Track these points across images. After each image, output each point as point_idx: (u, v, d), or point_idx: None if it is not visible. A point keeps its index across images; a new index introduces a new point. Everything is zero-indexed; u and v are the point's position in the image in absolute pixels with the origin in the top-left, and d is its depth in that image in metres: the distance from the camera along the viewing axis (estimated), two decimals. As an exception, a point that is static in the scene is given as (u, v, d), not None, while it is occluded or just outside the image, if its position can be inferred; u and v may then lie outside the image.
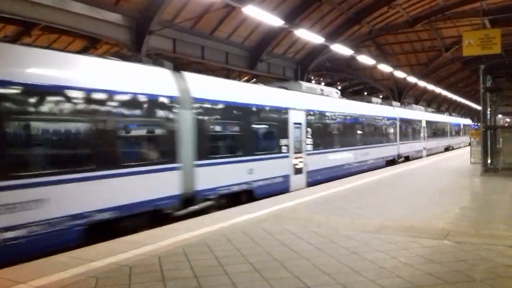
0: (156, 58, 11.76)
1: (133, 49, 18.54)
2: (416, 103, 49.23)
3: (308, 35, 21.41)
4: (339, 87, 54.29)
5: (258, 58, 25.64)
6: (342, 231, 6.92)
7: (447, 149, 37.12)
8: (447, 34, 36.03)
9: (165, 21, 19.23)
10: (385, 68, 32.84)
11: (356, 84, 53.67)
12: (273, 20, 18.13)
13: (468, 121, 52.24)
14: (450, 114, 48.32)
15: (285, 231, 6.93)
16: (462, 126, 46.61)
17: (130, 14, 18.20)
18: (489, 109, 16.69)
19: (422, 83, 41.80)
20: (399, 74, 36.11)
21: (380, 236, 6.53)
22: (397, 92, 45.84)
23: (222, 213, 8.75)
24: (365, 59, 29.04)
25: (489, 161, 15.83)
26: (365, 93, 59.91)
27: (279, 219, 7.92)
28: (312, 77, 42.06)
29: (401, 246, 5.96)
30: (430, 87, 44.79)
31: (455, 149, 38.87)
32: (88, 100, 7.34)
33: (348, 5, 25.95)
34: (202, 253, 5.78)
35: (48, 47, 18.70)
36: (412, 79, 39.35)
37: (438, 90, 48.46)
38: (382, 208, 8.93)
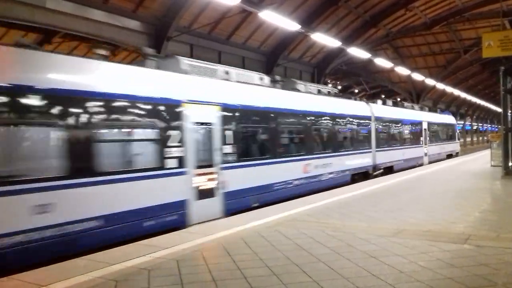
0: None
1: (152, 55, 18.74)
2: (435, 105, 48.62)
3: (325, 39, 21.40)
4: (356, 90, 54.10)
5: (275, 62, 25.73)
6: (359, 234, 6.87)
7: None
8: (465, 35, 35.63)
9: (182, 27, 19.47)
10: (402, 70, 32.61)
11: (373, 87, 53.37)
12: (289, 25, 18.18)
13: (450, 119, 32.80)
14: (442, 112, 36.62)
15: (302, 235, 6.92)
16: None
17: (148, 21, 18.49)
18: (510, 111, 16.40)
19: (440, 85, 41.30)
20: (417, 76, 35.77)
21: (398, 240, 6.47)
22: (415, 95, 45.44)
23: (238, 217, 8.78)
24: (382, 62, 28.88)
25: (510, 163, 15.53)
26: (383, 96, 59.52)
27: (295, 223, 7.91)
28: (328, 81, 41.93)
29: (420, 250, 5.90)
30: (449, 89, 44.24)
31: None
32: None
33: (365, 9, 25.89)
34: (220, 256, 5.81)
35: (68, 54, 19.04)
36: (430, 82, 38.92)
37: (457, 92, 47.82)
38: (399, 211, 8.84)
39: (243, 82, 11.94)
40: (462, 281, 4.68)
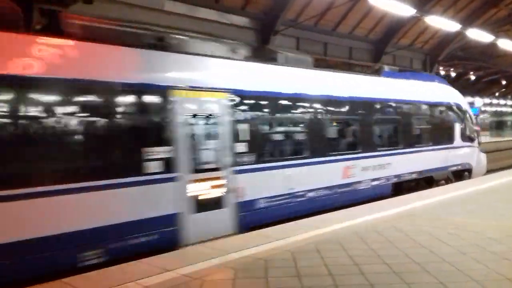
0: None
1: (258, 49, 19.12)
2: None
3: (440, 22, 19.94)
4: (473, 77, 49.84)
5: (383, 50, 24.70)
6: (486, 233, 6.28)
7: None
8: None
9: (289, 21, 19.51)
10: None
11: (491, 73, 48.79)
12: (402, 9, 17.19)
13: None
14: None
15: (421, 232, 6.51)
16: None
17: (256, 16, 18.84)
18: None
19: None
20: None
21: (536, 242, 5.78)
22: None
23: (349, 211, 8.56)
24: (507, 45, 26.16)
25: None
26: (504, 83, 54.08)
27: (412, 219, 7.48)
28: (441, 68, 39.17)
29: None
30: None
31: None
32: None
33: (485, -14, 23.66)
34: (335, 250, 5.69)
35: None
36: None
37: None
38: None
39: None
40: None
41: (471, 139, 14.65)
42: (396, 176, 11.38)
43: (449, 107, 13.97)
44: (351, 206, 8.93)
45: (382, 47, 24.57)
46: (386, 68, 13.48)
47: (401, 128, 11.81)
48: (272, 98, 8.74)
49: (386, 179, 11.10)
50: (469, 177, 14.28)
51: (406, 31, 24.83)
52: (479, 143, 15.38)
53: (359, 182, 10.32)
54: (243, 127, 7.97)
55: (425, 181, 12.54)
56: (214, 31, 17.73)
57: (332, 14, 20.92)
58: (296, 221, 7.59)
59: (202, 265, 5.18)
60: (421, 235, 6.34)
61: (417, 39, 26.55)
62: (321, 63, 16.43)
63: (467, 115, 14.81)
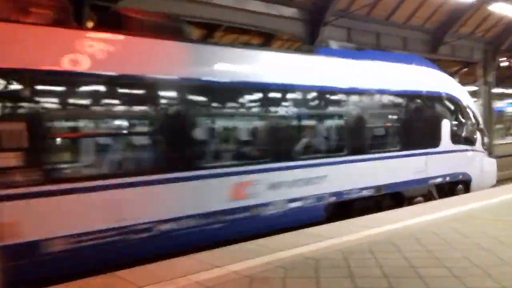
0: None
1: (307, 41, 18.82)
2: None
3: (506, 8, 18.76)
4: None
5: (441, 40, 23.53)
6: (558, 238, 5.82)
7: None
8: None
9: (339, 11, 19.01)
10: None
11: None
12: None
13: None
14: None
15: (482, 234, 6.12)
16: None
17: (304, 6, 18.50)
18: None
19: None
20: None
21: None
22: None
23: (403, 210, 8.23)
24: None
25: None
26: None
27: (471, 220, 7.06)
28: (505, 58, 36.97)
29: None
30: None
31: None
32: None
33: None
34: (390, 251, 5.45)
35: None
36: None
37: None
38: None
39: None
40: None
41: (469, 141, 11.25)
42: (334, 194, 8.29)
43: (433, 98, 10.44)
44: (259, 238, 6.22)
45: (440, 37, 23.40)
46: (333, 44, 10.25)
47: (344, 127, 8.67)
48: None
49: (316, 198, 8.02)
50: (467, 190, 11.14)
51: (466, 19, 23.51)
52: (486, 146, 12.01)
53: (263, 205, 7.32)
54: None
55: (392, 198, 9.48)
56: (263, 23, 17.62)
57: (386, 2, 20.16)
58: (348, 220, 7.37)
59: (251, 263, 5.11)
60: (481, 237, 5.97)
61: (478, 28, 25.14)
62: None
63: (465, 110, 11.32)
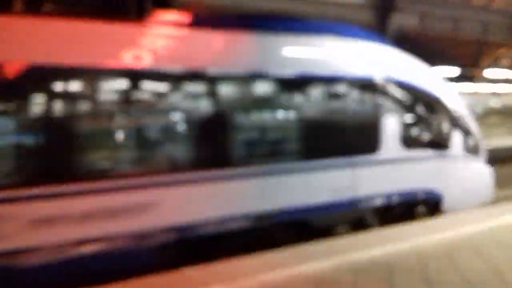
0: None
1: (376, 29, 18.10)
2: None
3: None
4: None
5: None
6: None
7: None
8: None
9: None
10: None
11: None
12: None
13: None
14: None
15: None
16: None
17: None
18: None
19: None
20: None
21: None
22: None
23: (487, 210, 7.60)
24: None
25: None
26: None
27: None
28: None
29: None
30: None
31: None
32: None
33: None
34: (469, 255, 5.02)
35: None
36: None
37: None
38: None
39: None
40: None
41: (438, 144, 7.90)
42: (171, 229, 5.31)
43: (366, 85, 6.99)
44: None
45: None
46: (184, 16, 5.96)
47: (186, 129, 5.59)
48: None
49: (134, 239, 5.07)
50: (435, 211, 7.77)
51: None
52: (477, 150, 8.53)
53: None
54: None
55: (286, 230, 6.39)
56: (330, 12, 17.16)
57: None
58: (422, 221, 6.92)
59: (320, 264, 4.90)
60: None
61: None
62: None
63: (435, 102, 7.93)
